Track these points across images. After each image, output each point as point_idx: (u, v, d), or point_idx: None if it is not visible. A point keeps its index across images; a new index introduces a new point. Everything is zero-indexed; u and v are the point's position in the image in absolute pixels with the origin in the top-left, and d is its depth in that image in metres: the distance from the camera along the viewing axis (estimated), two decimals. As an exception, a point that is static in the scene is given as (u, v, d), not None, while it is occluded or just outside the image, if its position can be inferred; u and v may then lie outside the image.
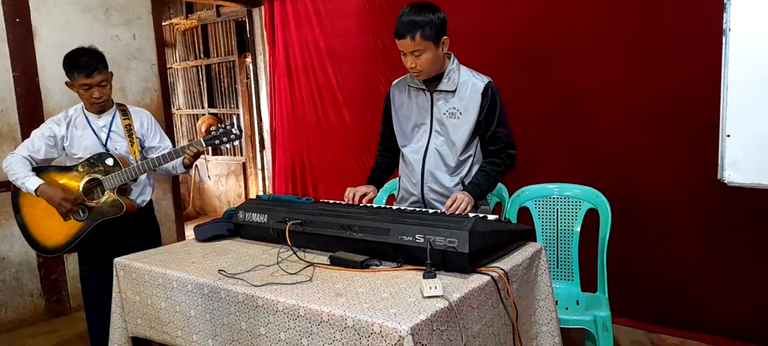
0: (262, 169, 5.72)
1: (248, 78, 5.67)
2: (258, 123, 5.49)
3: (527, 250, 1.83)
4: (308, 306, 1.42)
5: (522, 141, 2.22)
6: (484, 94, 2.10)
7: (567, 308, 2.38)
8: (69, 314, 3.72)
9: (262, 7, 4.88)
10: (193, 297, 1.72)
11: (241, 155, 6.47)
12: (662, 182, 2.90)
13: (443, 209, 1.96)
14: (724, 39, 2.03)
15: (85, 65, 2.40)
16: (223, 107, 6.61)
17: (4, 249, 3.47)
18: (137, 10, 4.02)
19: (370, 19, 3.99)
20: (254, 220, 2.06)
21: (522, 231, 1.87)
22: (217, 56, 6.50)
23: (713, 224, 2.77)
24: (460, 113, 2.12)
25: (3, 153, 3.28)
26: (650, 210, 2.95)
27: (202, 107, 6.85)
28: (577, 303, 2.43)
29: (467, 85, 2.12)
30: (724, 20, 2.02)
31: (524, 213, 2.60)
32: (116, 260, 1.99)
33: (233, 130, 2.25)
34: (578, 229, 2.51)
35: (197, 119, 6.93)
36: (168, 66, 7.06)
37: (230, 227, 2.18)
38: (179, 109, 7.17)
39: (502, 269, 1.61)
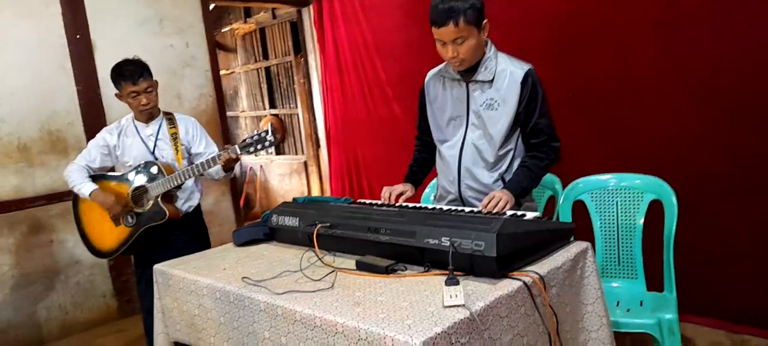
0: (320, 167, 5.76)
1: (305, 77, 5.72)
2: (314, 121, 5.52)
3: (570, 250, 1.66)
4: (324, 316, 1.36)
5: (563, 136, 2.05)
6: (523, 83, 1.94)
7: (629, 310, 2.18)
8: (139, 314, 3.90)
9: (311, 6, 4.89)
10: (222, 304, 1.71)
11: (303, 154, 6.55)
12: (730, 171, 2.60)
13: (480, 208, 1.84)
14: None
15: (131, 73, 2.49)
16: (283, 107, 6.72)
17: (78, 253, 3.67)
18: (189, 19, 4.13)
19: (414, 9, 3.89)
20: (287, 224, 2.03)
21: (563, 230, 1.70)
22: (275, 58, 6.60)
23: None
24: (498, 104, 1.97)
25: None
26: (718, 200, 2.66)
27: (264, 109, 7.00)
28: (641, 304, 2.22)
29: (505, 74, 1.97)
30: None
31: (580, 207, 2.41)
32: (155, 266, 2.03)
33: (267, 137, 2.23)
34: (641, 222, 2.29)
35: (260, 120, 7.09)
36: (231, 70, 7.29)
37: (266, 230, 2.16)
38: (243, 111, 7.37)
39: (536, 273, 1.48)
